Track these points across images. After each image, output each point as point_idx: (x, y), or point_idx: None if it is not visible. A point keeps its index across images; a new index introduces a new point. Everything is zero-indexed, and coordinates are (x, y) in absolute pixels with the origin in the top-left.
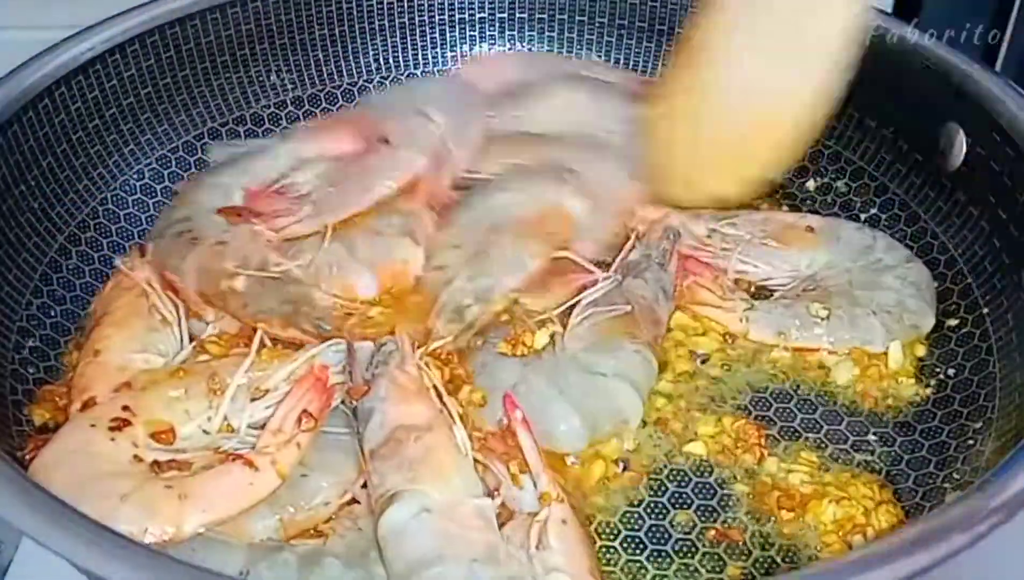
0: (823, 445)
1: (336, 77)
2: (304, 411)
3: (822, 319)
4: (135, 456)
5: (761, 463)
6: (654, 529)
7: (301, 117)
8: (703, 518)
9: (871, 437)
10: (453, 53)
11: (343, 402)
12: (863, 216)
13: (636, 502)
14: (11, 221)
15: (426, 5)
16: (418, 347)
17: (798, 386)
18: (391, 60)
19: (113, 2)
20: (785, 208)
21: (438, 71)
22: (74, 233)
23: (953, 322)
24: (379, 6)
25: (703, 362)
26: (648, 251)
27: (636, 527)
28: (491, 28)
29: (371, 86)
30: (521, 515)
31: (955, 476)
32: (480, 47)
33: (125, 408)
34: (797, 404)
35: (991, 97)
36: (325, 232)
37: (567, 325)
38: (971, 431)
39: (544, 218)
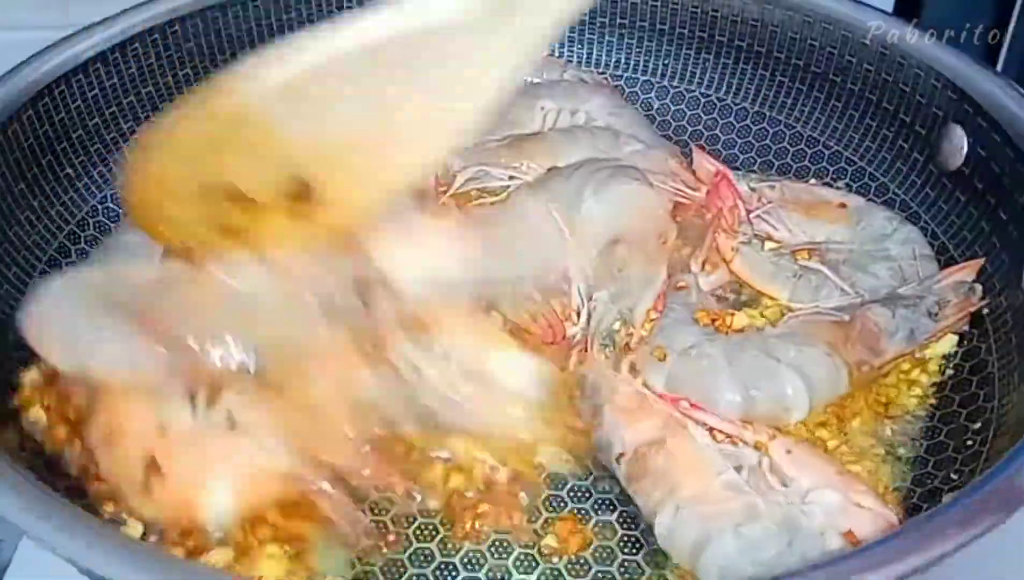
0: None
1: None
2: None
3: (793, 276)
4: None
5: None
6: None
7: None
8: None
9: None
10: None
11: None
12: None
13: None
14: (11, 219)
15: None
16: None
17: None
18: None
19: (113, 3)
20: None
21: None
22: (74, 231)
23: None
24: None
25: None
26: (925, 294)
27: None
28: None
29: None
30: (755, 469)
31: (952, 477)
32: None
33: None
34: None
35: (991, 97)
36: None
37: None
38: (969, 432)
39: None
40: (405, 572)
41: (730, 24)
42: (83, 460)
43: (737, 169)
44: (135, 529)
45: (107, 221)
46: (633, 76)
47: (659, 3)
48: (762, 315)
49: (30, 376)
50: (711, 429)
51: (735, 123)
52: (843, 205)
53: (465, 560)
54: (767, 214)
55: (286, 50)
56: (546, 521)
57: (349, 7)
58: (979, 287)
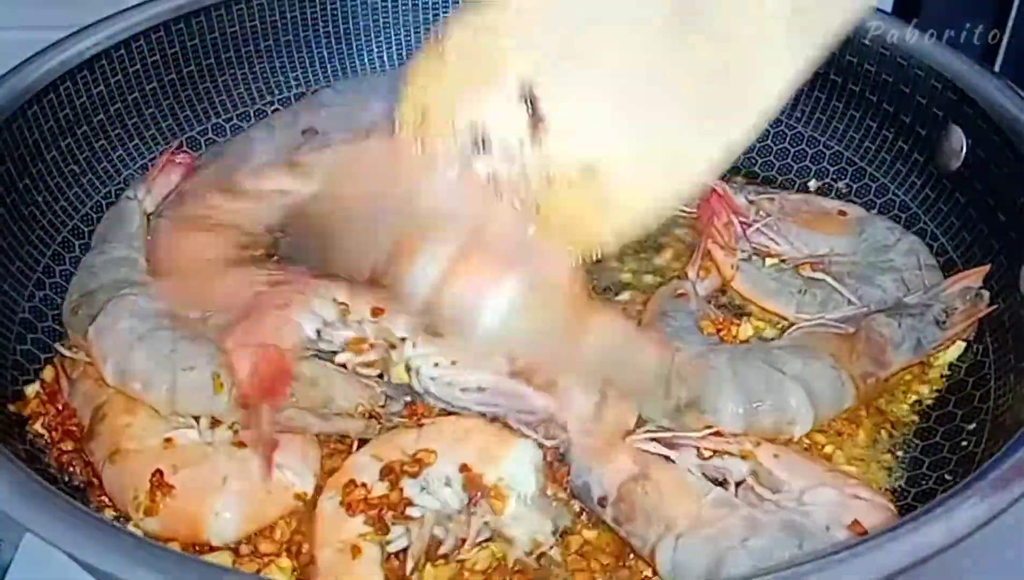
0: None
1: (340, 74)
2: None
3: (797, 291)
4: None
5: None
6: None
7: None
8: None
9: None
10: None
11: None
12: None
13: None
14: (15, 214)
15: (430, 3)
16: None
17: None
18: (395, 56)
19: (114, 4)
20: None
21: None
22: (77, 227)
23: None
24: (383, 3)
25: None
26: (931, 302)
27: None
28: None
29: None
30: (744, 479)
31: (947, 478)
32: None
33: None
34: None
35: (991, 99)
36: None
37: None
38: (964, 433)
39: None
40: None
41: None
42: (86, 475)
43: (738, 170)
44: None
45: None
46: None
47: None
48: (769, 325)
49: (34, 388)
50: (697, 447)
51: None
52: (843, 213)
53: None
54: (766, 228)
55: None
56: None
57: (353, 5)
58: (986, 293)
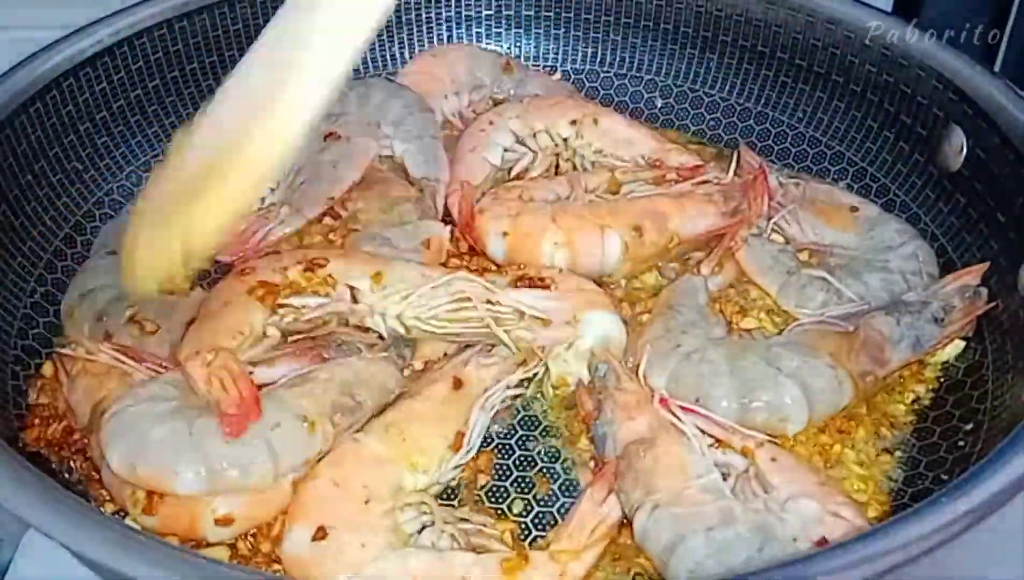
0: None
1: None
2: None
3: (786, 272)
4: None
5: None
6: None
7: None
8: None
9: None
10: None
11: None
12: None
13: None
14: (17, 209)
15: (432, 2)
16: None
17: None
18: (396, 56)
19: (114, 3)
20: None
21: None
22: (80, 222)
23: None
24: None
25: None
26: (930, 300)
27: None
28: (497, 26)
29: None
30: (740, 474)
31: (943, 477)
32: (486, 46)
33: None
34: None
35: (991, 100)
36: None
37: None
38: (961, 433)
39: None
40: None
41: (734, 24)
42: (86, 469)
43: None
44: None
45: (112, 213)
46: (637, 75)
47: (663, 3)
48: (771, 323)
49: (34, 392)
50: (704, 432)
51: (738, 123)
52: (854, 209)
53: None
54: (789, 213)
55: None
56: None
57: None
58: (984, 291)
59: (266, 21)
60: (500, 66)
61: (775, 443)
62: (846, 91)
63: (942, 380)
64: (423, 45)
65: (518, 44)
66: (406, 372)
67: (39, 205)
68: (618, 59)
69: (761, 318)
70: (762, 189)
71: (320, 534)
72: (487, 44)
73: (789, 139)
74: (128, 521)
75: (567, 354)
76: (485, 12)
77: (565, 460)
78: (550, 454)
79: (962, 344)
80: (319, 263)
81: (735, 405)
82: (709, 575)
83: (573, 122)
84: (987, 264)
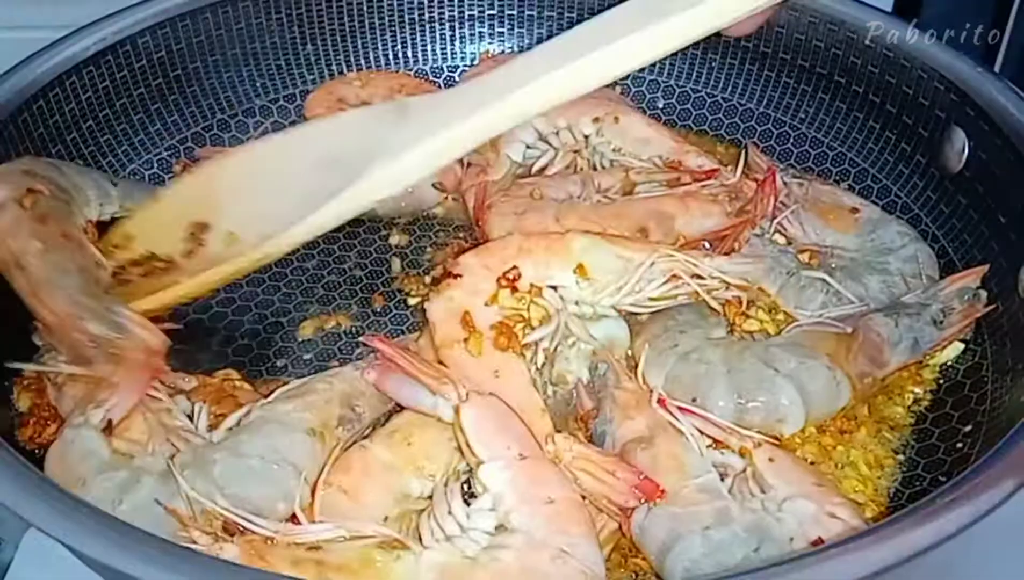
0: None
1: (345, 70)
2: None
3: (785, 273)
4: None
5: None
6: None
7: None
8: None
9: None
10: (461, 50)
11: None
12: None
13: None
14: None
15: (435, 1)
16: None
17: None
18: (399, 55)
19: (115, 3)
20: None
21: (446, 66)
22: None
23: None
24: (384, 2)
25: None
26: (929, 301)
27: None
28: (500, 26)
29: None
30: (738, 474)
31: (941, 479)
32: (488, 45)
33: None
34: None
35: (993, 101)
36: None
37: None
38: (960, 434)
39: None
40: None
41: None
42: None
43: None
44: None
45: None
46: (639, 75)
47: None
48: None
49: (25, 393)
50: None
51: (740, 123)
52: (855, 210)
53: None
54: (793, 214)
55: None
56: None
57: (359, 2)
58: (984, 293)
59: (268, 20)
60: None
61: (773, 443)
62: (848, 92)
63: (941, 382)
64: (426, 45)
65: (520, 44)
66: None
67: None
68: None
69: (763, 319)
70: (771, 190)
71: None
72: (490, 44)
73: (791, 140)
74: None
75: (569, 352)
76: (488, 12)
77: None
78: None
79: (961, 346)
80: (514, 275)
81: (731, 405)
82: (705, 574)
83: (596, 120)
84: (986, 266)
